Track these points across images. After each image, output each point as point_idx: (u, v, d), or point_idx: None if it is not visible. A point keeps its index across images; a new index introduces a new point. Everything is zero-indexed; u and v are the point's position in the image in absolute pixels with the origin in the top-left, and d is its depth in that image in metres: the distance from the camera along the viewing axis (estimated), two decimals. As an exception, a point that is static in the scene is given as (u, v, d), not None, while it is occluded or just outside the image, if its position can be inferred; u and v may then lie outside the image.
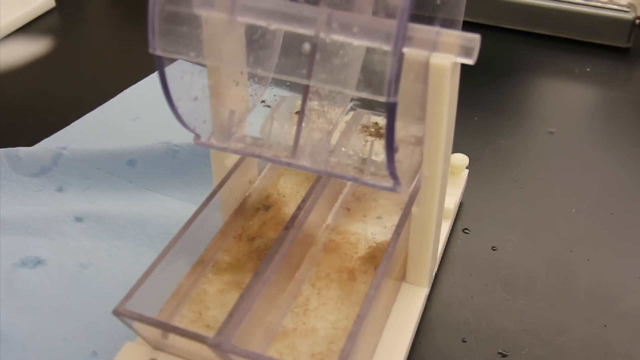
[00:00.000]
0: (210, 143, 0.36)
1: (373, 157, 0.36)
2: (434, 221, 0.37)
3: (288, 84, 0.60)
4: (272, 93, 0.59)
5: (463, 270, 0.44)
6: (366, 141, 0.38)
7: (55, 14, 0.75)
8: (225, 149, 0.36)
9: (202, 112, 0.37)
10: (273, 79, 0.38)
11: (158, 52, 0.32)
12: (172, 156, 0.50)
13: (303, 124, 0.33)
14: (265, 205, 0.43)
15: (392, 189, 0.32)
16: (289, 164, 0.34)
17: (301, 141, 0.33)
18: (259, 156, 0.35)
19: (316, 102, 0.34)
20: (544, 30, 0.71)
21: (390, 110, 0.28)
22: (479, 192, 0.50)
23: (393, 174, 0.31)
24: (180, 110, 0.34)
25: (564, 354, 0.39)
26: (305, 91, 0.32)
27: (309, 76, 0.31)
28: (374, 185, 0.33)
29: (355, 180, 0.33)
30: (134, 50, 0.68)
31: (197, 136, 0.36)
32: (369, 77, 0.30)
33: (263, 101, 0.56)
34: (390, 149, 0.29)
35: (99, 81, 0.64)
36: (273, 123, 0.38)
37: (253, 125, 0.42)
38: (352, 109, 0.46)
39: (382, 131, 0.44)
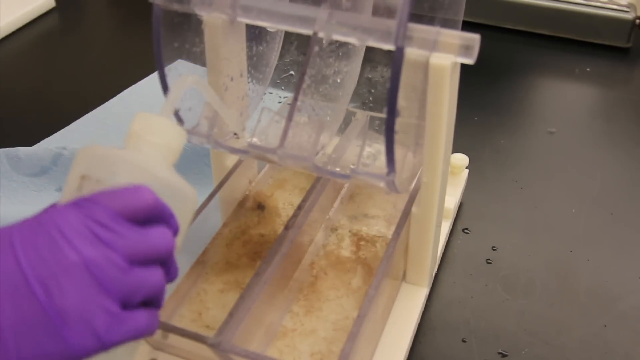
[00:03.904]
0: (207, 140, 0.36)
1: (367, 149, 0.35)
2: (434, 221, 0.37)
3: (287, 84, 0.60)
4: (272, 93, 0.59)
5: (463, 270, 0.44)
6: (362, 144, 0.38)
7: (55, 14, 0.75)
8: (228, 148, 0.36)
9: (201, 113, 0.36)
10: (272, 79, 0.38)
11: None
12: (172, 156, 0.50)
13: (291, 123, 0.32)
14: (265, 205, 0.43)
15: (387, 189, 0.32)
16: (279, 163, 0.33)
17: (289, 139, 0.33)
18: (262, 158, 0.35)
19: (311, 102, 0.33)
20: (544, 30, 0.71)
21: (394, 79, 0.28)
22: (479, 192, 0.50)
23: (391, 159, 0.30)
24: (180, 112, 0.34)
25: (564, 354, 0.39)
26: (297, 89, 0.32)
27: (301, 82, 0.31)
28: (367, 175, 0.32)
29: (346, 177, 0.33)
30: (134, 50, 0.68)
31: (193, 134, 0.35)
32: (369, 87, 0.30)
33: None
34: (390, 136, 0.29)
35: (99, 81, 0.64)
36: (274, 125, 0.38)
37: (253, 126, 0.42)
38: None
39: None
